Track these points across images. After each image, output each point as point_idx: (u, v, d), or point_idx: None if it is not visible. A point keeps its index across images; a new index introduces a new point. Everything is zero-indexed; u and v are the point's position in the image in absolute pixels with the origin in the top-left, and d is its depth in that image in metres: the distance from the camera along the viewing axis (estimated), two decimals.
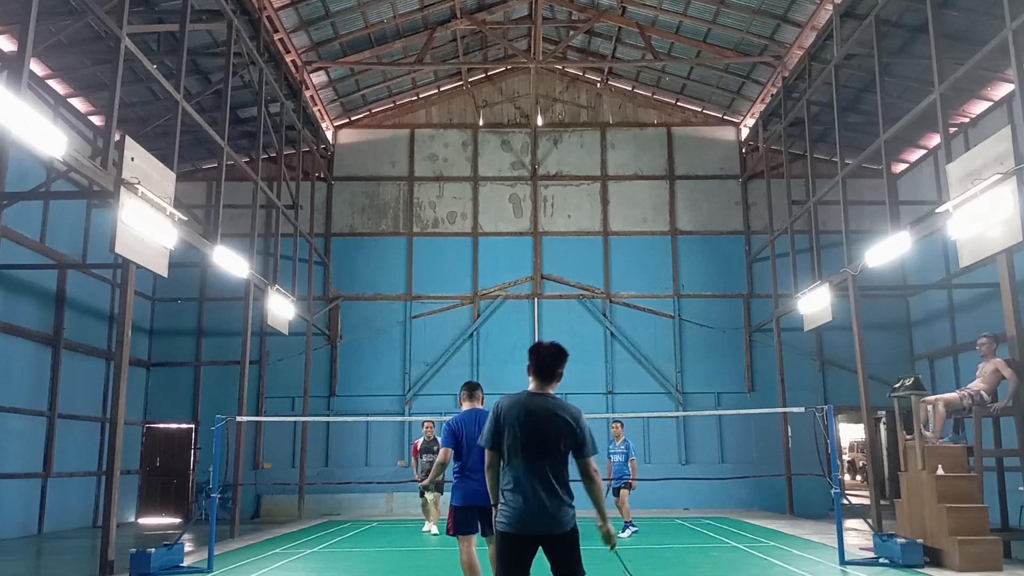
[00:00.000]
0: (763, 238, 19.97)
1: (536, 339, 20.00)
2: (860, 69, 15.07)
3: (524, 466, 4.10)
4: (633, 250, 20.62)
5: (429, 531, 13.54)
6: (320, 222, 20.57)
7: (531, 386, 4.37)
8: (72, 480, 15.84)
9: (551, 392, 4.33)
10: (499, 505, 4.18)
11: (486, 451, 4.37)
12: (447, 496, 7.50)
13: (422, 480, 12.83)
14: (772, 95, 18.68)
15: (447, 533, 6.59)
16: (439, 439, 13.07)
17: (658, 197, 20.92)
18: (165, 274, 10.82)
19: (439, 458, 6.69)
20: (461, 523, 6.46)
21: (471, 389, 6.90)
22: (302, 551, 11.69)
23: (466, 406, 6.75)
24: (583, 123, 21.51)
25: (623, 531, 12.88)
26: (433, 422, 13.94)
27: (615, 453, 13.14)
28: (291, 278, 17.79)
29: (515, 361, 19.97)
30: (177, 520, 18.32)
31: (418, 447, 13.84)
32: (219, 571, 9.54)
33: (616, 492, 12.92)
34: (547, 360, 4.30)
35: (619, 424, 13.59)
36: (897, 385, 10.78)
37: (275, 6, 15.83)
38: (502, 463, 4.27)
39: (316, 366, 19.33)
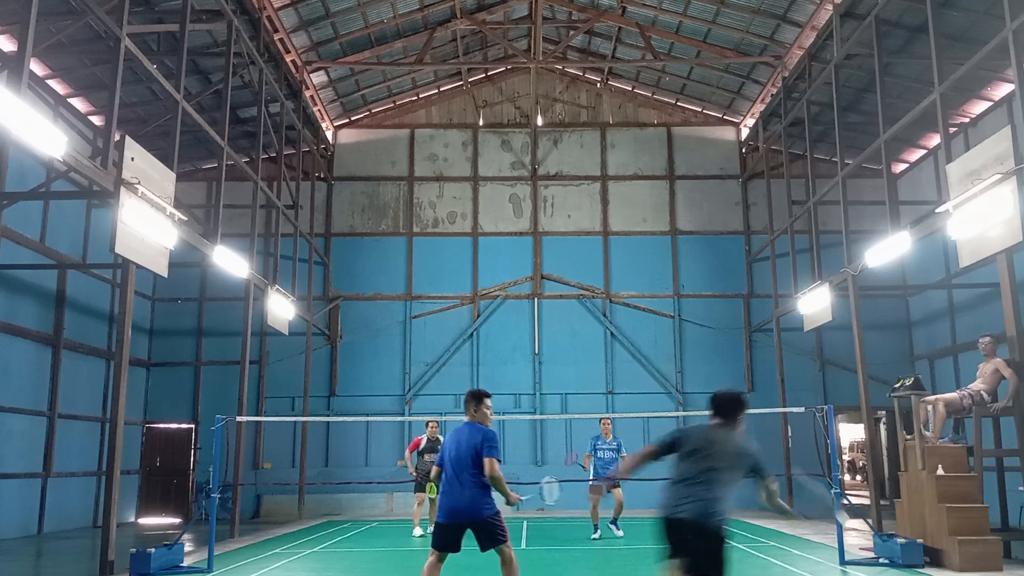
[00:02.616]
0: (763, 238, 19.97)
1: (536, 339, 20.03)
2: (860, 69, 15.06)
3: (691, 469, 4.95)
4: (633, 250, 20.62)
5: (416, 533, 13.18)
6: (320, 222, 20.57)
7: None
8: (72, 480, 15.84)
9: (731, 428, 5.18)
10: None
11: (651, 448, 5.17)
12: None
13: (419, 478, 12.75)
14: (772, 95, 18.68)
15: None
16: (443, 439, 13.02)
17: (658, 197, 20.93)
18: (165, 274, 10.82)
19: (432, 474, 6.63)
20: (437, 538, 6.26)
21: (476, 402, 6.42)
22: (302, 551, 11.69)
23: (467, 419, 6.43)
24: (583, 123, 21.51)
25: (617, 529, 13.03)
26: (438, 422, 13.68)
27: (604, 449, 12.98)
28: (291, 278, 17.79)
29: (515, 361, 20.00)
30: (177, 520, 18.32)
31: (420, 444, 13.40)
32: (219, 571, 9.54)
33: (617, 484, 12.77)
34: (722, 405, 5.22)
35: (608, 422, 13.50)
36: (897, 385, 10.78)
37: (275, 6, 15.83)
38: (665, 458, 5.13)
39: (316, 366, 19.33)
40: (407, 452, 13.68)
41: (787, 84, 17.31)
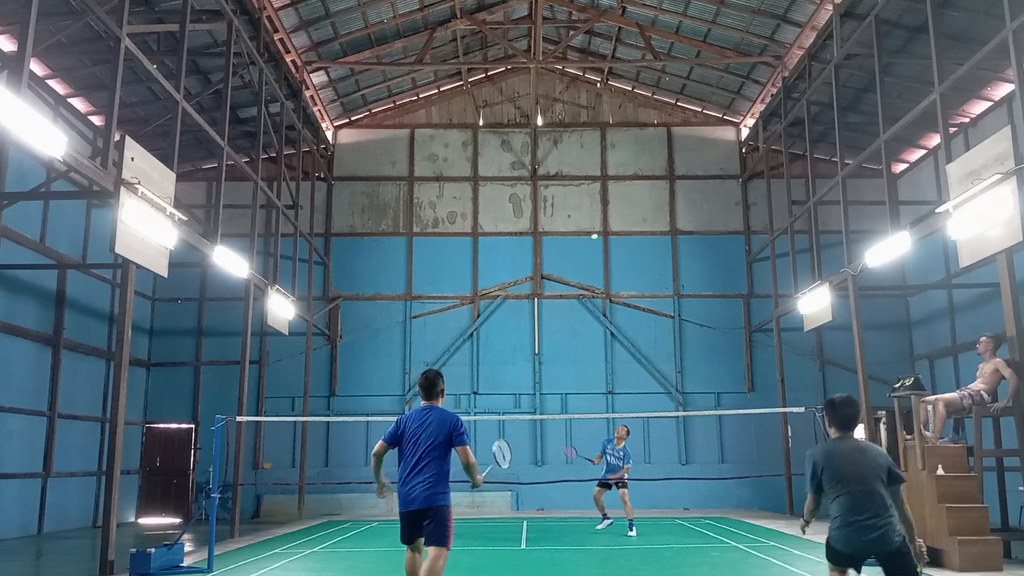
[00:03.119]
0: (763, 238, 19.97)
1: (536, 339, 20.03)
2: (860, 69, 15.07)
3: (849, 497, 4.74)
4: (633, 250, 20.63)
5: None
6: (320, 222, 20.58)
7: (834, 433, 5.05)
8: (72, 480, 15.84)
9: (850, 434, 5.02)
10: (830, 527, 4.81)
11: (808, 495, 5.02)
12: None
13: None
14: (772, 95, 18.68)
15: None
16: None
17: (658, 197, 20.93)
18: (165, 274, 10.82)
19: (375, 448, 6.19)
20: (404, 531, 5.98)
21: (429, 385, 6.14)
22: (302, 551, 11.69)
23: (425, 403, 6.14)
24: (583, 123, 21.52)
25: (631, 530, 13.16)
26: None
27: (611, 454, 13.45)
28: (291, 278, 17.79)
29: (515, 361, 20.00)
30: (177, 520, 18.33)
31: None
32: (219, 571, 9.54)
33: (622, 485, 13.27)
34: (842, 410, 5.05)
35: (624, 430, 13.75)
36: (897, 385, 10.77)
37: (275, 6, 15.83)
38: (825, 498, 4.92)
39: (316, 366, 19.33)
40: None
41: (787, 84, 17.31)
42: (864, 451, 4.86)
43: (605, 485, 13.46)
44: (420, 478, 5.82)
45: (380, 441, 6.15)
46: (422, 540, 5.93)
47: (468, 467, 5.98)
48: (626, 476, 13.29)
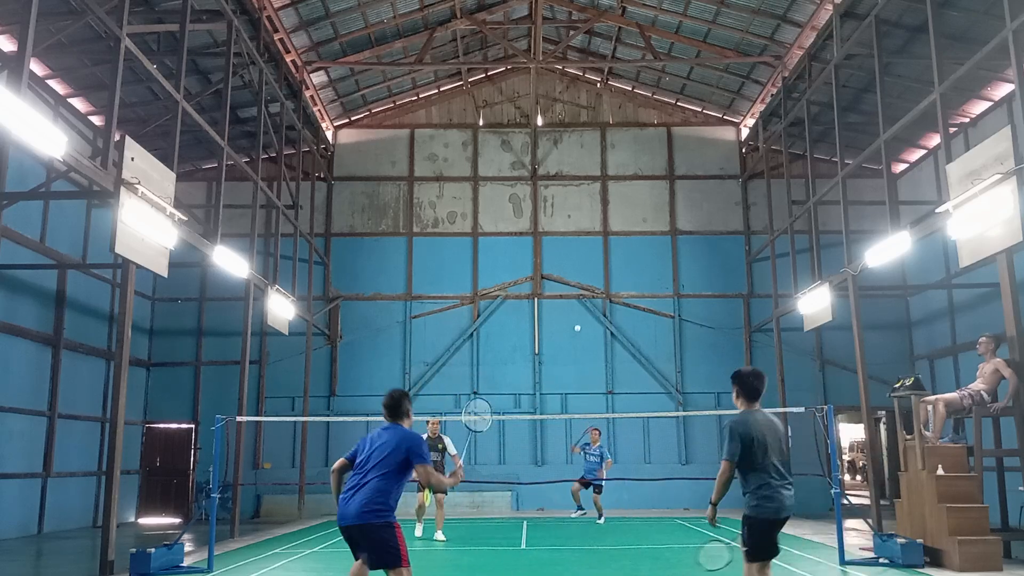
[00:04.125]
0: (763, 238, 19.97)
1: (536, 339, 20.04)
2: (860, 69, 15.06)
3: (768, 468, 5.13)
4: (633, 250, 20.63)
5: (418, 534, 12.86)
6: (320, 222, 20.57)
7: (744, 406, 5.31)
8: (72, 480, 15.84)
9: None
10: (752, 503, 5.17)
11: (725, 464, 5.16)
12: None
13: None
14: (772, 95, 18.68)
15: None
16: (445, 438, 12.92)
17: (658, 197, 20.93)
18: (165, 274, 10.82)
19: (335, 464, 5.85)
20: (348, 544, 5.55)
21: (394, 405, 5.76)
22: (302, 551, 11.69)
23: (389, 422, 5.75)
24: (583, 123, 21.52)
25: (600, 518, 15.02)
26: (439, 421, 13.36)
27: (589, 454, 15.05)
28: (291, 278, 17.79)
29: (515, 361, 20.00)
30: (177, 520, 18.32)
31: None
32: (219, 571, 9.54)
33: (597, 489, 14.99)
34: (751, 382, 5.28)
35: (597, 431, 15.34)
36: (897, 385, 10.78)
37: (275, 6, 15.83)
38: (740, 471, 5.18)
39: (316, 366, 19.33)
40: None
41: (787, 84, 17.31)
42: (774, 422, 5.26)
43: (584, 483, 14.88)
44: (360, 494, 5.35)
45: (341, 458, 5.82)
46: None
47: (431, 486, 5.70)
48: (605, 475, 14.96)
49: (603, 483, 15.02)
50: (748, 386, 5.27)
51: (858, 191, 18.55)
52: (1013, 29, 9.28)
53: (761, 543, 5.08)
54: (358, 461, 5.58)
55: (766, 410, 5.40)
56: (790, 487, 5.13)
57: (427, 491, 12.68)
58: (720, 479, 5.16)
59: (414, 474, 5.48)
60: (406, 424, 5.73)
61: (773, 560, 5.35)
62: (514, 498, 18.97)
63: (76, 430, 16.06)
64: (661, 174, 21.06)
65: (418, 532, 12.97)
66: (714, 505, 5.30)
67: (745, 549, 5.17)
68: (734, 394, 5.36)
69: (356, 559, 5.53)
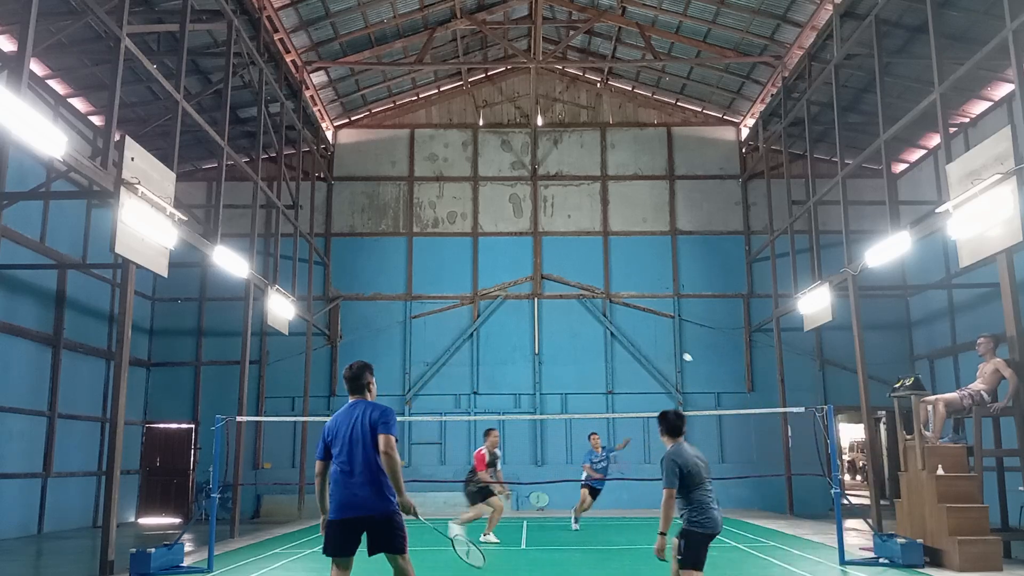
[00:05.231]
0: (763, 238, 19.97)
1: (536, 339, 20.04)
2: (860, 69, 15.06)
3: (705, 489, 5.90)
4: (633, 250, 20.63)
5: (488, 540, 12.07)
6: (320, 222, 20.57)
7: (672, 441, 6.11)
8: (72, 480, 15.84)
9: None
10: (694, 519, 5.83)
11: (667, 492, 5.79)
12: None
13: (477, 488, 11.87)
14: (772, 95, 18.68)
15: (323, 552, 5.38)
16: (498, 453, 12.47)
17: (658, 197, 20.93)
18: (165, 274, 10.82)
19: (316, 469, 5.47)
20: (330, 542, 5.29)
21: (354, 378, 5.48)
22: (302, 551, 11.69)
23: (352, 399, 5.48)
24: (583, 123, 21.51)
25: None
26: (497, 432, 12.65)
27: (597, 461, 14.37)
28: (291, 278, 17.79)
29: (515, 361, 20.00)
30: (177, 520, 18.32)
31: (486, 459, 12.14)
32: (219, 571, 9.54)
33: (594, 494, 14.40)
34: (675, 422, 6.15)
35: (596, 436, 14.83)
36: (897, 385, 10.78)
37: (275, 6, 15.83)
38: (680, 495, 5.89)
39: (316, 366, 19.33)
40: (479, 472, 12.04)
41: (787, 84, 17.31)
42: (698, 451, 6.13)
43: (593, 493, 14.26)
44: (357, 480, 5.14)
45: (317, 460, 5.47)
46: (351, 558, 5.29)
47: (387, 458, 5.09)
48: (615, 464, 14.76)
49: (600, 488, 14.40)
50: (671, 424, 6.13)
51: (858, 191, 18.55)
52: (1013, 29, 9.28)
53: (697, 555, 5.77)
54: (336, 449, 5.30)
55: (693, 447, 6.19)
56: (718, 506, 5.97)
57: (500, 496, 12.21)
58: (664, 507, 5.78)
59: (380, 444, 5.13)
60: (369, 397, 5.47)
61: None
62: (514, 498, 18.97)
63: (76, 430, 16.06)
64: (661, 174, 21.06)
65: (493, 538, 12.16)
66: (663, 535, 5.78)
67: (679, 559, 5.83)
68: (660, 431, 6.21)
69: (336, 555, 5.26)
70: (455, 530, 9.89)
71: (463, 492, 12.55)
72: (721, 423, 19.56)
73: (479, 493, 12.05)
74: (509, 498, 12.56)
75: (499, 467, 12.59)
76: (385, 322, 20.19)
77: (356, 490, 5.15)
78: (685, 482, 5.83)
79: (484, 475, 12.03)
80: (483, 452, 12.24)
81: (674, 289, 20.40)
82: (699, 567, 5.77)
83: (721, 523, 5.93)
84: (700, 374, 19.88)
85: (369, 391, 5.50)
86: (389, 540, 5.19)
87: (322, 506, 5.40)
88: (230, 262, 13.22)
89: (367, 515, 5.15)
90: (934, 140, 17.62)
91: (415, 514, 5.24)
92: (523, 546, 12.10)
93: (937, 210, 10.78)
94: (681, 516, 5.90)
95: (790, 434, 18.12)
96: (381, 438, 5.13)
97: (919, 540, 9.57)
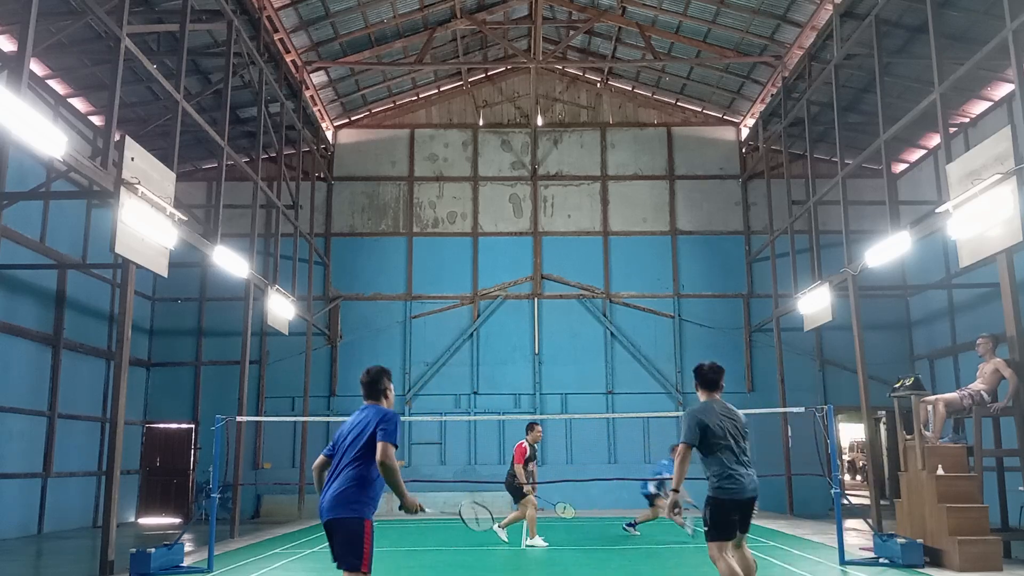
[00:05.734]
0: (763, 238, 19.97)
1: (536, 339, 20.04)
2: (860, 69, 15.07)
3: (731, 451, 5.54)
4: (633, 250, 20.63)
5: (534, 544, 11.93)
6: (320, 222, 20.57)
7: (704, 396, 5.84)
8: (72, 480, 15.84)
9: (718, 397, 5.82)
10: (716, 484, 5.50)
11: (683, 446, 5.59)
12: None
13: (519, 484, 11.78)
14: (772, 95, 18.68)
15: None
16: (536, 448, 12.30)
17: (658, 197, 20.93)
18: (165, 274, 10.82)
19: (316, 461, 5.38)
20: (330, 545, 5.03)
21: (370, 383, 5.21)
22: (302, 551, 11.69)
23: (365, 403, 5.25)
24: (583, 123, 21.52)
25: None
26: (540, 427, 12.51)
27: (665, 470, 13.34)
28: (291, 278, 17.79)
29: (515, 361, 19.99)
30: (177, 520, 18.32)
31: (526, 452, 12.16)
32: (219, 571, 9.54)
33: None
34: (709, 375, 5.86)
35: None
36: (897, 385, 10.78)
37: (275, 6, 15.83)
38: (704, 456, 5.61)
39: (316, 366, 19.33)
40: (518, 466, 12.00)
41: (787, 84, 17.31)
42: (732, 410, 5.77)
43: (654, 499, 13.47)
44: (334, 485, 4.92)
45: (321, 455, 5.36)
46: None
47: (384, 469, 4.76)
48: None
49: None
50: (705, 378, 5.86)
51: (858, 191, 18.55)
52: (1013, 29, 9.28)
53: (721, 523, 5.41)
54: (336, 449, 5.13)
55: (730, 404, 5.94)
56: (751, 470, 5.53)
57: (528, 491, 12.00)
58: (678, 461, 5.57)
59: (378, 452, 4.79)
60: (385, 404, 5.18)
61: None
62: None
63: (76, 430, 16.06)
64: (661, 174, 21.06)
65: (540, 541, 12.01)
66: (675, 491, 5.65)
67: (706, 529, 5.49)
68: (695, 385, 5.98)
69: (334, 561, 5.01)
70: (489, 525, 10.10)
71: (505, 489, 12.32)
72: None
73: (520, 489, 11.94)
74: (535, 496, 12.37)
75: (533, 465, 12.34)
76: (385, 322, 20.19)
77: (327, 493, 4.94)
78: (707, 441, 5.47)
79: (519, 468, 11.93)
80: (524, 446, 12.13)
81: (674, 289, 20.40)
82: (723, 537, 5.35)
83: (752, 488, 5.48)
84: None
85: (386, 397, 5.23)
86: (343, 553, 4.82)
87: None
88: (230, 262, 13.22)
89: (328, 519, 4.89)
90: (934, 140, 17.62)
91: (422, 511, 5.08)
92: (523, 546, 12.09)
93: (937, 210, 10.78)
94: (707, 481, 5.59)
95: (790, 434, 18.11)
96: (379, 445, 4.78)
97: (919, 540, 9.57)
